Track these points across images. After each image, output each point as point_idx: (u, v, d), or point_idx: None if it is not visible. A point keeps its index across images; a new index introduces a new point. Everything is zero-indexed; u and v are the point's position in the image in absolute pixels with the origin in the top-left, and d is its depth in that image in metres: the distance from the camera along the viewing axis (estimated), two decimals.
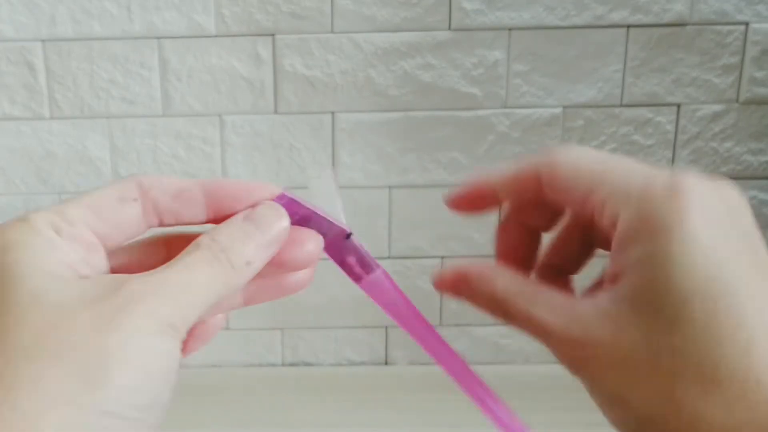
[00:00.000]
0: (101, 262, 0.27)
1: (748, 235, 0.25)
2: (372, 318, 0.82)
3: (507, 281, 0.29)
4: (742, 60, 0.76)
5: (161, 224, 0.28)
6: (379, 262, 0.32)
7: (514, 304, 0.28)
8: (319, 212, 0.29)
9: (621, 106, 0.78)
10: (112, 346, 0.23)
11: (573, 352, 0.27)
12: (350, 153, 0.79)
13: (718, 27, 0.75)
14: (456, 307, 0.81)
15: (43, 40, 0.76)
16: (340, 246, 0.30)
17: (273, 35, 0.76)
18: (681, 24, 0.75)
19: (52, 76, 0.77)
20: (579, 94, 0.77)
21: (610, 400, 0.27)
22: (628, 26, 0.76)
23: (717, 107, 0.78)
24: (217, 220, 0.28)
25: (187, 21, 0.75)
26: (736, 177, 0.80)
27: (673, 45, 0.76)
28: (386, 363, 0.85)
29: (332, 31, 0.76)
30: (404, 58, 0.76)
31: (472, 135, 0.78)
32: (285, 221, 0.28)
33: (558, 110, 0.78)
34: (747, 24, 0.75)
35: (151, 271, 0.25)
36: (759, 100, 0.77)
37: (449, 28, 0.76)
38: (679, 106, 0.78)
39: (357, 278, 0.31)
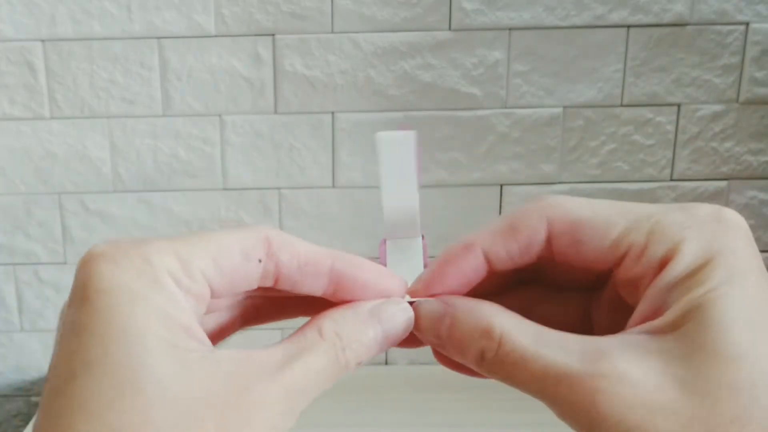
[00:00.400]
0: (207, 319, 0.25)
1: None
2: None
3: (507, 314, 0.25)
4: (743, 60, 0.76)
5: (274, 287, 0.26)
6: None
7: (513, 343, 0.24)
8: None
9: (621, 106, 0.78)
10: None
11: (594, 396, 0.22)
12: (350, 153, 0.79)
13: (719, 27, 0.75)
14: None
15: (43, 40, 0.76)
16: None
17: (273, 35, 0.76)
18: (681, 24, 0.75)
19: (52, 76, 0.77)
20: (579, 94, 0.77)
21: None
22: (628, 26, 0.76)
23: (717, 107, 0.78)
24: (334, 297, 0.26)
25: (187, 21, 0.75)
26: (736, 177, 0.80)
27: (673, 45, 0.76)
28: (386, 363, 0.85)
29: (332, 31, 0.76)
30: (404, 58, 0.76)
31: (472, 135, 0.78)
32: (410, 323, 0.26)
33: (558, 110, 0.78)
34: (747, 24, 0.75)
35: (273, 364, 0.23)
36: (759, 100, 0.77)
37: (449, 28, 0.76)
38: (679, 106, 0.78)
39: None
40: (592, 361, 0.22)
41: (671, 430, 0.21)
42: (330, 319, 0.25)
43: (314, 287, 0.26)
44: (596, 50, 0.76)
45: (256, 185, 0.80)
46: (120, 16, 0.75)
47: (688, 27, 0.75)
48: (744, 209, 0.80)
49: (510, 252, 0.26)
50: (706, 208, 0.24)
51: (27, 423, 0.86)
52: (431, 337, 0.26)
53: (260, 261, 0.24)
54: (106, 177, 0.80)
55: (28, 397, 0.87)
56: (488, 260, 0.26)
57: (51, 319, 0.84)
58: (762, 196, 0.80)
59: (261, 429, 0.22)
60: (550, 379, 0.22)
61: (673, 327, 0.22)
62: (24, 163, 0.79)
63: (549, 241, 0.25)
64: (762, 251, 0.78)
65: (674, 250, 0.23)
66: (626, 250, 0.24)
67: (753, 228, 0.85)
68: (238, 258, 0.24)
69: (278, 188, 0.80)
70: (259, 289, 0.26)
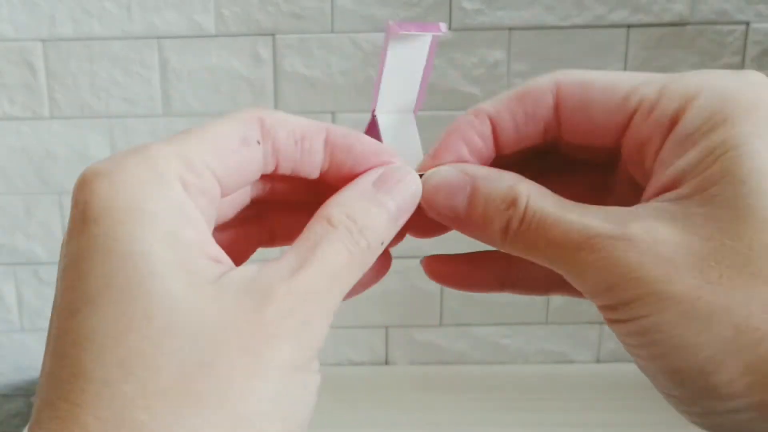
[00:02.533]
0: (219, 237, 0.23)
1: None
2: (372, 318, 0.82)
3: (529, 183, 0.23)
4: (743, 60, 0.76)
5: (275, 173, 0.24)
6: None
7: (542, 210, 0.22)
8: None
9: None
10: (259, 394, 0.19)
11: (629, 256, 0.20)
12: None
13: (719, 27, 0.75)
14: (456, 307, 0.81)
15: (43, 40, 0.76)
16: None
17: (273, 35, 0.76)
18: (681, 24, 0.75)
19: (52, 76, 0.77)
20: None
21: (674, 321, 0.20)
22: (629, 26, 0.75)
23: None
24: (329, 176, 0.24)
25: (187, 21, 0.75)
26: None
27: (673, 45, 0.76)
28: (386, 363, 0.85)
29: (332, 31, 0.76)
30: None
31: None
32: (419, 188, 0.24)
33: None
34: (747, 24, 0.75)
35: (287, 270, 0.21)
36: None
37: (449, 28, 0.76)
38: None
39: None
40: (618, 224, 0.21)
41: (695, 286, 0.20)
42: (334, 204, 0.23)
43: (313, 165, 0.24)
44: (596, 50, 0.76)
45: None
46: (120, 16, 0.75)
47: (689, 27, 0.75)
48: None
49: (516, 118, 0.24)
50: (724, 70, 0.22)
51: (27, 423, 0.86)
52: (446, 210, 0.24)
53: (258, 143, 0.23)
54: None
55: (28, 397, 0.87)
56: (495, 129, 0.25)
57: None
58: None
59: (287, 341, 0.20)
60: (575, 243, 0.21)
61: (697, 190, 0.21)
62: (24, 163, 0.79)
63: (557, 108, 0.24)
64: None
65: (688, 104, 0.21)
66: (636, 106, 0.22)
67: None
68: (237, 143, 0.22)
69: None
70: (264, 179, 0.24)
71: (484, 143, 0.25)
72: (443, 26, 0.25)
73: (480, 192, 0.23)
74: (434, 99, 0.77)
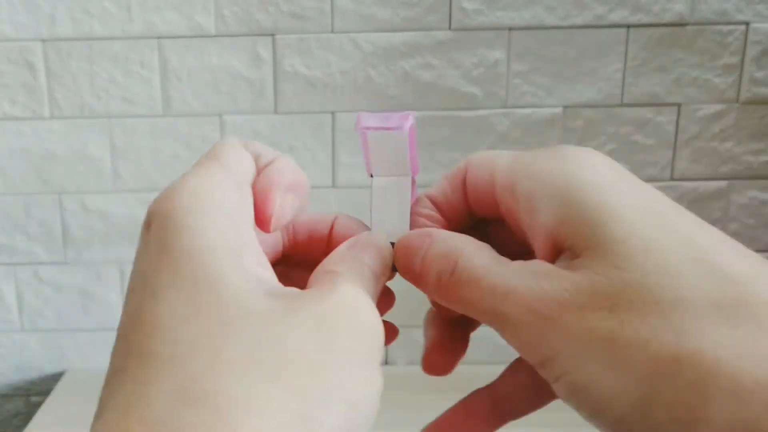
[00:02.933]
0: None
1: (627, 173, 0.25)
2: None
3: (469, 240, 0.26)
4: (743, 60, 0.76)
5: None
6: None
7: (470, 260, 0.25)
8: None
9: (621, 106, 0.78)
10: (328, 377, 0.20)
11: (540, 307, 0.23)
12: (350, 153, 0.79)
13: (719, 27, 0.75)
14: None
15: (43, 40, 0.76)
16: None
17: (273, 35, 0.76)
18: (681, 24, 0.75)
19: (52, 75, 0.77)
20: (579, 94, 0.77)
21: (585, 375, 0.22)
22: (629, 26, 0.75)
23: (717, 107, 0.78)
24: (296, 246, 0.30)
25: (187, 21, 0.75)
26: (736, 177, 0.80)
27: (673, 45, 0.76)
28: (386, 363, 0.85)
29: (332, 31, 0.76)
30: (404, 58, 0.76)
31: (472, 135, 0.78)
32: (387, 249, 0.27)
33: (558, 110, 0.78)
34: (747, 24, 0.75)
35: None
36: (759, 100, 0.77)
37: (449, 28, 0.76)
38: (679, 106, 0.78)
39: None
40: (532, 278, 0.23)
41: (575, 302, 0.22)
42: (325, 262, 0.25)
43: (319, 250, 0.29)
44: (596, 50, 0.76)
45: None
46: (120, 16, 0.75)
47: (688, 27, 0.75)
48: (744, 209, 0.80)
49: (444, 192, 0.29)
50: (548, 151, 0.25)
51: (27, 423, 0.86)
52: (408, 268, 0.26)
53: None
54: (106, 177, 0.80)
55: (28, 397, 0.87)
56: (434, 203, 0.29)
57: (51, 319, 0.84)
58: (762, 196, 0.80)
59: (351, 336, 0.21)
60: (497, 296, 0.23)
61: (574, 257, 0.23)
62: (24, 163, 0.79)
63: (464, 186, 0.28)
64: (763, 251, 0.79)
65: (515, 182, 0.25)
66: (493, 183, 0.26)
67: (753, 228, 0.86)
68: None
69: None
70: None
71: (436, 214, 0.29)
72: (412, 117, 0.28)
73: (430, 250, 0.26)
74: (434, 99, 0.77)
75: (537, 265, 0.24)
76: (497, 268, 0.24)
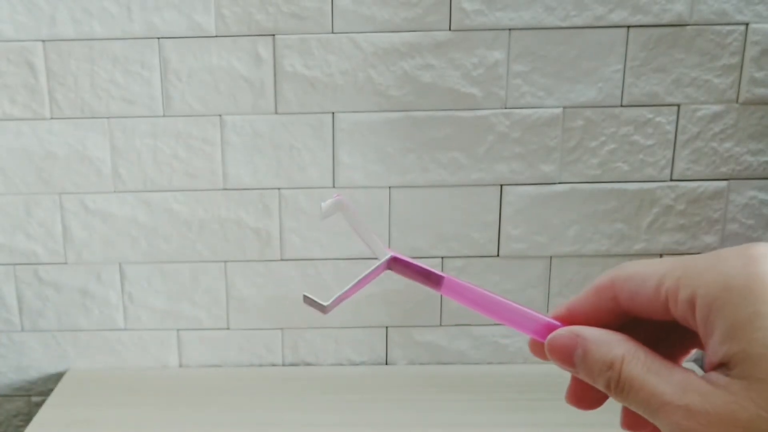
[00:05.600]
0: None
1: None
2: (372, 318, 0.82)
3: (626, 346, 0.29)
4: (742, 60, 0.76)
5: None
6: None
7: (630, 370, 0.28)
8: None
9: (621, 106, 0.78)
10: None
11: (686, 422, 0.26)
12: (350, 153, 0.79)
13: (718, 27, 0.75)
14: (456, 307, 0.81)
15: (43, 40, 0.76)
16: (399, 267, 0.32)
17: (273, 35, 0.76)
18: (681, 24, 0.75)
19: (53, 76, 0.77)
20: (579, 94, 0.77)
21: None
22: (628, 26, 0.76)
23: (717, 107, 0.78)
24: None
25: (187, 21, 0.75)
26: (736, 177, 0.80)
27: (673, 45, 0.76)
28: (386, 363, 0.85)
29: (332, 31, 0.76)
30: (404, 58, 0.76)
31: (472, 135, 0.78)
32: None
33: (558, 110, 0.78)
34: (747, 24, 0.75)
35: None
36: (759, 100, 0.77)
37: (449, 29, 0.76)
38: (679, 106, 0.78)
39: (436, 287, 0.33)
40: (691, 398, 0.26)
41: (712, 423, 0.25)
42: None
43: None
44: (596, 50, 0.76)
45: (256, 185, 0.80)
46: (120, 16, 0.75)
47: (688, 27, 0.75)
48: (744, 209, 0.80)
49: (590, 308, 0.31)
50: (731, 249, 0.27)
51: (27, 423, 0.86)
52: (564, 365, 0.30)
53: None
54: (106, 177, 0.80)
55: (28, 397, 0.87)
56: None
57: (51, 319, 0.84)
58: (762, 196, 0.80)
59: None
60: (653, 407, 0.27)
61: (732, 367, 0.26)
62: (24, 163, 0.79)
63: (616, 299, 0.30)
64: None
65: (695, 293, 0.27)
66: (665, 297, 0.28)
67: (753, 228, 0.85)
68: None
69: (278, 188, 0.80)
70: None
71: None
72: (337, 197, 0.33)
73: (588, 355, 0.29)
74: (434, 99, 0.77)
75: (695, 383, 0.26)
76: (654, 379, 0.27)
